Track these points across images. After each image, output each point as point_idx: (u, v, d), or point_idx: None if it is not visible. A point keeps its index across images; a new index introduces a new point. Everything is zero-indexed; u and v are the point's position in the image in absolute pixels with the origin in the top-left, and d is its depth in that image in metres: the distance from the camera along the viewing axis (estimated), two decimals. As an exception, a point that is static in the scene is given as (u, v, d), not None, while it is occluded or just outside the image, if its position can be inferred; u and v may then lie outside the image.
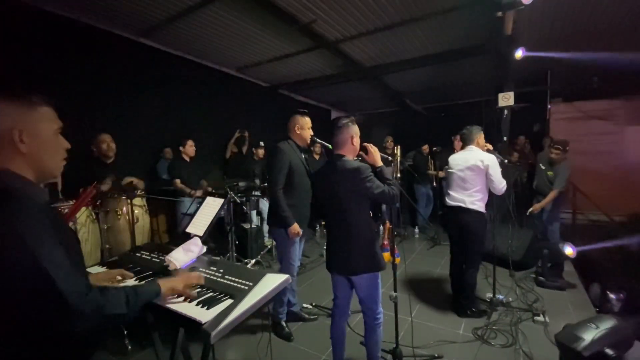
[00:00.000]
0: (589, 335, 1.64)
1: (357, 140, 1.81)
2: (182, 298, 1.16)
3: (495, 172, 2.66)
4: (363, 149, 1.88)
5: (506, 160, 3.13)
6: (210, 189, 3.93)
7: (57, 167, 0.92)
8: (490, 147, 2.91)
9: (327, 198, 1.85)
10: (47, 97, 0.90)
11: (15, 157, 0.83)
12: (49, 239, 0.78)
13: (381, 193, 1.69)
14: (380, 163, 1.84)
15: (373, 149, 1.86)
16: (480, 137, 2.84)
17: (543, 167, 3.94)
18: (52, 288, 0.74)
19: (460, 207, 2.76)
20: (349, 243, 1.77)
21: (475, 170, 2.69)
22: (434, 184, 5.81)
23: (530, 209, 3.80)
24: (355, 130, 1.80)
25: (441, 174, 5.71)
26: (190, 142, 4.07)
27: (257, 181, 4.66)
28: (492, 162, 2.67)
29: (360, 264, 1.75)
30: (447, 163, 3.00)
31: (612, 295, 2.90)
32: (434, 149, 5.85)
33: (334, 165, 1.79)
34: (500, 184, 2.66)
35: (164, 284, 1.08)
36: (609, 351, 1.58)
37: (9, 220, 0.74)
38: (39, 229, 0.77)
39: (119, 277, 1.28)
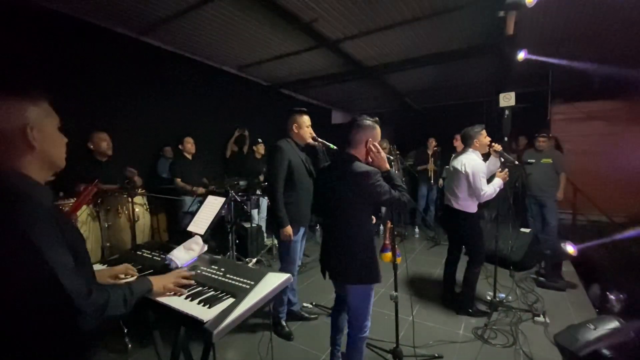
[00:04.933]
0: (585, 336, 1.64)
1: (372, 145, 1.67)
2: (182, 296, 1.17)
3: (475, 179, 2.56)
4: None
5: (516, 162, 3.01)
6: (213, 187, 3.92)
7: (63, 159, 0.95)
8: (497, 147, 2.72)
9: (328, 199, 1.75)
10: (45, 93, 0.91)
11: (24, 156, 0.84)
12: (55, 240, 0.79)
13: (390, 199, 1.57)
14: (387, 167, 1.68)
15: (379, 150, 1.67)
16: (480, 137, 2.70)
17: (532, 161, 3.95)
18: (57, 287, 0.75)
19: (449, 207, 2.82)
20: (346, 249, 1.67)
21: (458, 174, 2.69)
22: (432, 182, 5.78)
23: (557, 196, 4.04)
24: (374, 134, 1.66)
25: (430, 167, 5.74)
26: (188, 139, 4.06)
27: (262, 177, 4.66)
28: (473, 168, 2.57)
29: (353, 273, 1.65)
30: (447, 163, 3.02)
31: (612, 296, 2.89)
32: (435, 148, 5.85)
33: (340, 166, 1.68)
34: (479, 191, 2.55)
35: (156, 281, 1.13)
36: (606, 352, 1.58)
37: (17, 222, 0.76)
38: (45, 230, 0.78)
39: (122, 275, 1.29)
